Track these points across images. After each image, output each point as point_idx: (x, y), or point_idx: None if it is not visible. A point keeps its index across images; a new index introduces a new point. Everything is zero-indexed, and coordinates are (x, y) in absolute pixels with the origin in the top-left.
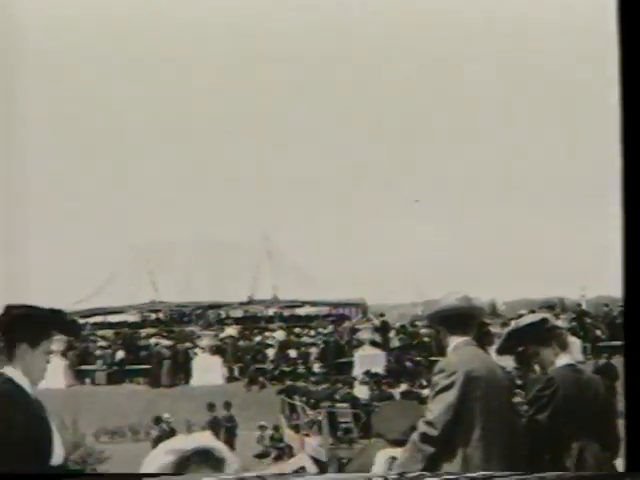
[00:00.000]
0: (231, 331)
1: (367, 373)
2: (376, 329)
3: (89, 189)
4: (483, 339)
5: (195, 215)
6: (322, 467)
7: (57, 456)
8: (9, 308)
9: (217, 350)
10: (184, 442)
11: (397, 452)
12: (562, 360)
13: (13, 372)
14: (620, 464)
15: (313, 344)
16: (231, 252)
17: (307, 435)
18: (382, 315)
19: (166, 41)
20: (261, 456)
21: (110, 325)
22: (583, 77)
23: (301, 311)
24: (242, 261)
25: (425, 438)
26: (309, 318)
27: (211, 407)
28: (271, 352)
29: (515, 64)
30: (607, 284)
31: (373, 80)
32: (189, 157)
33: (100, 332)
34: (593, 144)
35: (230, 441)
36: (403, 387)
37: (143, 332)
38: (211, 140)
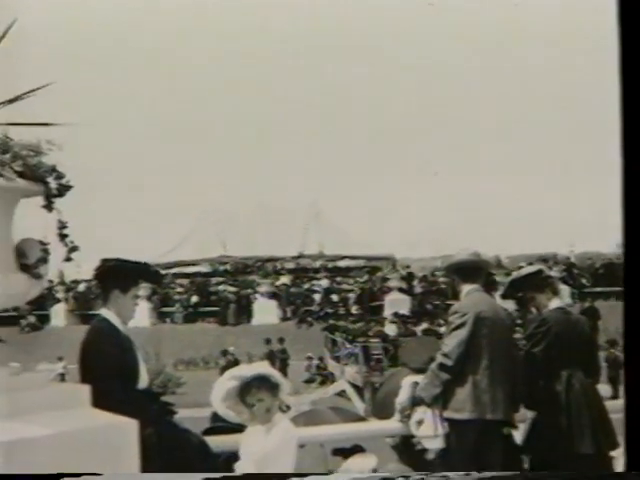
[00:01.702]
0: (285, 280)
1: (395, 314)
2: (403, 278)
3: (174, 168)
4: (490, 286)
5: (255, 185)
6: (359, 390)
7: (143, 381)
8: (104, 261)
9: (273, 295)
10: (246, 370)
11: (419, 378)
12: (554, 303)
13: (108, 313)
14: (604, 390)
15: (351, 290)
16: (285, 215)
17: (346, 364)
18: (408, 267)
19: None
20: (309, 381)
21: (186, 275)
22: (583, 61)
23: (342, 263)
24: (294, 223)
25: (442, 367)
26: (348, 269)
27: (268, 342)
28: (317, 297)
29: (519, 49)
30: (591, 242)
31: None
32: (250, 136)
33: (178, 280)
34: (593, 123)
35: (283, 369)
36: (424, 325)
37: (213, 280)
38: (269, 122)
